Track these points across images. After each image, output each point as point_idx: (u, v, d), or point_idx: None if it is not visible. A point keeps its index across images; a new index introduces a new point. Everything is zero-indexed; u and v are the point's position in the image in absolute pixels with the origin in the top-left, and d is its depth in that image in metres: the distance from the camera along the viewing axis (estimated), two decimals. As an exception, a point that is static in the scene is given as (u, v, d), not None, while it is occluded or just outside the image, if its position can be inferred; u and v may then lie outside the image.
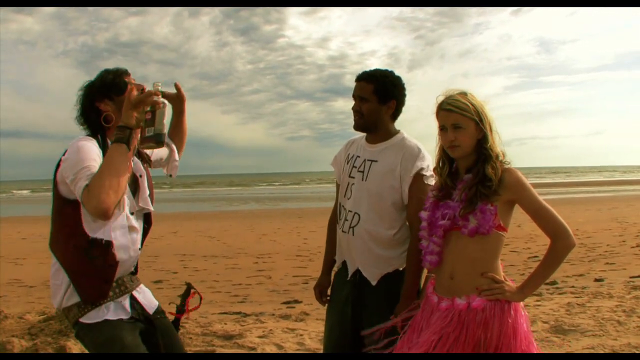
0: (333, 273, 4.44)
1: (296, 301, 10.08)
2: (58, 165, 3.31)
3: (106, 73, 3.54)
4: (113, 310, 3.41)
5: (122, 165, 3.16)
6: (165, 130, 3.36)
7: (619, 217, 22.69)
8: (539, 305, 8.39)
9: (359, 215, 4.03)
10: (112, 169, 3.11)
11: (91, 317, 3.36)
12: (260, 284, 12.01)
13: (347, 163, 4.23)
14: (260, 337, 7.07)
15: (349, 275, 4.12)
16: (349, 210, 4.09)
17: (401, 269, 3.99)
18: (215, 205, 41.67)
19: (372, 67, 4.15)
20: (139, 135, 3.30)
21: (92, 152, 3.25)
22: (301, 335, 7.15)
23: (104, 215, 3.07)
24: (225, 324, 7.74)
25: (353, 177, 4.12)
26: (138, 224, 3.57)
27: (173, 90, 3.90)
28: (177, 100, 3.96)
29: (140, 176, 3.58)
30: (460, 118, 3.34)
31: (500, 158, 3.37)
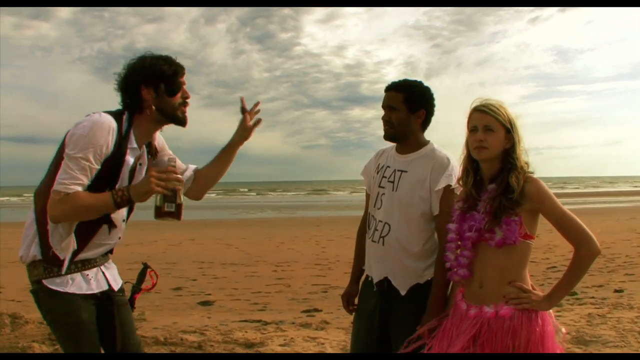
0: (360, 282, 4.40)
1: (316, 310, 10.06)
2: (69, 132, 3.40)
3: (167, 64, 3.54)
4: (78, 283, 3.50)
5: (98, 213, 3.41)
6: (182, 200, 3.45)
7: (637, 228, 22.51)
8: (559, 316, 8.33)
9: (389, 225, 4.02)
10: (89, 212, 3.38)
11: (54, 284, 3.45)
12: (280, 292, 11.99)
13: (377, 173, 4.22)
14: (281, 345, 7.06)
15: (377, 285, 4.10)
16: (380, 220, 4.09)
17: (431, 278, 3.98)
18: (232, 212, 41.66)
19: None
20: (158, 209, 3.40)
21: (101, 137, 3.34)
22: (322, 344, 7.13)
23: (53, 222, 3.38)
24: (246, 332, 7.74)
25: (383, 187, 4.12)
26: (124, 214, 3.70)
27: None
28: (240, 133, 3.98)
29: (140, 164, 3.65)
30: (493, 120, 3.38)
31: (525, 168, 3.39)
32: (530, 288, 3.41)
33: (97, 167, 3.36)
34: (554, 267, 13.40)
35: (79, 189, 3.30)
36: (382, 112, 4.10)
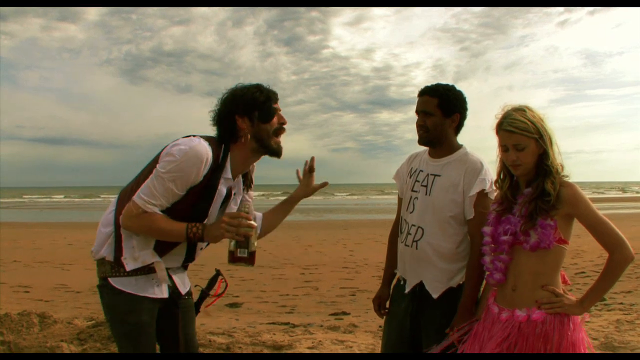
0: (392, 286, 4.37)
1: (344, 313, 10.06)
2: (167, 147, 3.47)
3: (258, 91, 3.57)
4: (142, 285, 3.53)
5: (168, 239, 3.47)
6: (255, 247, 3.43)
7: (667, 234, 22.23)
8: (587, 322, 8.24)
9: (422, 229, 4.01)
10: (160, 236, 3.45)
11: (120, 283, 3.51)
12: (308, 294, 12.01)
13: (410, 177, 4.21)
14: (309, 348, 7.04)
15: (410, 289, 4.08)
16: (412, 224, 4.07)
17: (463, 282, 3.96)
18: (259, 215, 41.65)
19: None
20: (231, 254, 3.40)
21: (193, 167, 3.37)
22: (351, 347, 7.11)
23: (123, 227, 3.45)
24: (274, 334, 7.73)
25: (416, 191, 4.10)
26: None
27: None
28: (305, 189, 4.15)
29: (235, 194, 3.69)
30: (521, 139, 3.38)
31: (560, 172, 3.39)
32: (562, 292, 3.42)
33: (181, 193, 3.40)
34: (583, 272, 13.38)
35: (157, 210, 3.38)
36: (410, 116, 4.09)
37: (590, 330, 7.64)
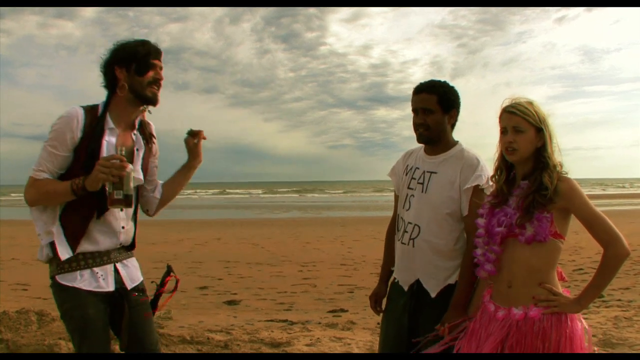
0: (389, 283, 4.36)
1: (342, 310, 10.07)
2: None
3: (141, 45, 3.68)
4: (86, 280, 3.61)
5: (63, 199, 3.54)
6: (132, 192, 3.54)
7: (665, 230, 22.19)
8: (586, 319, 8.21)
9: (419, 227, 3.99)
10: (52, 198, 3.55)
11: (65, 279, 3.60)
12: (306, 292, 12.01)
13: (406, 174, 4.19)
14: (307, 345, 7.03)
15: (407, 286, 4.07)
16: (409, 222, 4.06)
17: None
18: (257, 212, 41.77)
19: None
20: (109, 196, 3.46)
21: (66, 127, 3.51)
22: (349, 344, 7.09)
23: (27, 204, 3.61)
24: (272, 331, 7.70)
25: (412, 189, 4.09)
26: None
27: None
28: (192, 154, 4.08)
29: (137, 149, 3.78)
30: (521, 121, 3.38)
31: (558, 168, 3.39)
32: (558, 290, 3.41)
33: (65, 154, 3.54)
34: (581, 269, 13.38)
35: (46, 176, 3.53)
36: (408, 113, 4.06)
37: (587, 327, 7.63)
